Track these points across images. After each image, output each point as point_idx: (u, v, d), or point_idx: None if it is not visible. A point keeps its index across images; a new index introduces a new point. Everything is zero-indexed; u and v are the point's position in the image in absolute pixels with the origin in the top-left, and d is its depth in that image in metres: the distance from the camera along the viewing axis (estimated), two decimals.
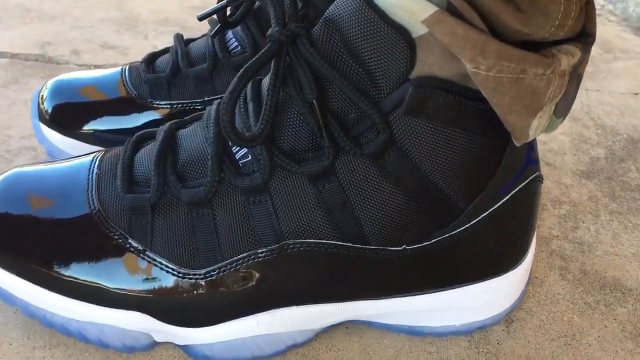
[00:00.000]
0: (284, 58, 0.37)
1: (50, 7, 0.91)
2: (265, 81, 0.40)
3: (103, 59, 0.79)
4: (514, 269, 0.45)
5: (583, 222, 0.59)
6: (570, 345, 0.46)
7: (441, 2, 0.33)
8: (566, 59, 0.34)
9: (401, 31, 0.35)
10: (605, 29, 1.04)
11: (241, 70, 0.36)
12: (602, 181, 0.65)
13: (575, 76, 0.36)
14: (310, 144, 0.38)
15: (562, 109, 0.38)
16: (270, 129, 0.37)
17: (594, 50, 0.92)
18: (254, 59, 0.36)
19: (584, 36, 0.36)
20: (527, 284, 0.48)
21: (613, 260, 0.55)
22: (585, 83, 0.84)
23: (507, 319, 0.48)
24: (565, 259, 0.54)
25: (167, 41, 0.84)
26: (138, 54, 0.80)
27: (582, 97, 0.80)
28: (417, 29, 0.34)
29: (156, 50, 0.60)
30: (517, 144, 0.37)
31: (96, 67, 0.77)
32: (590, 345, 0.47)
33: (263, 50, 0.36)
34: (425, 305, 0.44)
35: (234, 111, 0.36)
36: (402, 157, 0.37)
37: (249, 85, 0.39)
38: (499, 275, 0.44)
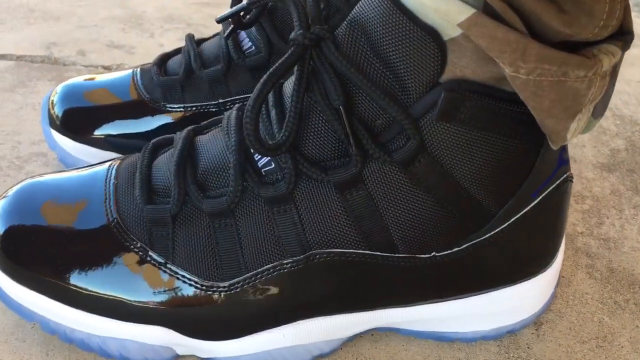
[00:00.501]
0: (308, 62, 0.35)
1: (54, 6, 0.89)
2: (288, 86, 0.38)
3: (110, 58, 0.78)
4: (545, 271, 0.44)
5: (607, 217, 0.58)
6: (602, 347, 0.45)
7: (477, 3, 0.31)
8: (608, 60, 0.33)
9: (431, 33, 0.33)
10: None
11: (264, 77, 0.35)
12: (624, 174, 0.64)
13: (615, 75, 0.35)
14: (337, 151, 0.37)
15: (600, 109, 0.36)
16: (295, 136, 0.36)
17: None
18: (277, 64, 0.35)
19: (623, 34, 0.34)
20: (557, 285, 0.47)
21: None
22: None
23: (537, 321, 0.47)
24: (591, 256, 0.53)
25: (174, 39, 0.83)
26: (145, 53, 0.79)
27: None
28: (449, 31, 0.33)
29: (162, 48, 0.59)
30: (554, 148, 0.35)
31: (104, 67, 0.76)
32: (622, 347, 0.45)
33: (286, 55, 0.35)
34: (454, 311, 0.43)
35: (258, 119, 0.34)
36: (432, 164, 0.36)
37: (271, 91, 0.38)
38: (530, 279, 0.43)
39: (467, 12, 0.31)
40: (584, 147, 0.67)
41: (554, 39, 0.33)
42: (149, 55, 0.77)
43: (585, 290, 0.50)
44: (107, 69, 0.76)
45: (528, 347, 0.45)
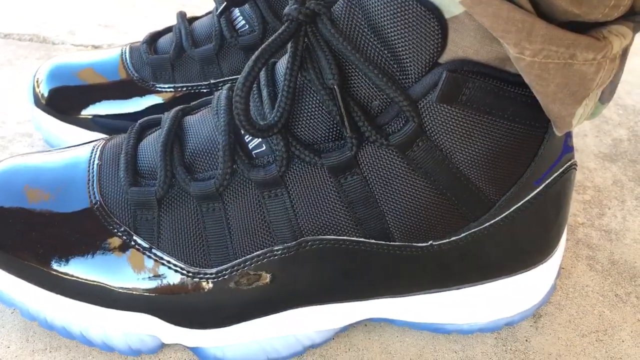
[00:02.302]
0: (302, 39, 0.34)
1: None
2: (281, 65, 0.36)
3: (101, 38, 0.76)
4: (545, 261, 0.42)
5: (609, 208, 0.56)
6: (602, 341, 0.44)
7: None
8: (618, 42, 0.31)
9: (432, 10, 0.31)
10: None
11: (256, 53, 0.33)
12: (627, 164, 0.62)
13: (624, 58, 0.33)
14: (331, 133, 0.35)
15: (608, 94, 0.35)
16: (287, 117, 0.34)
17: None
18: (269, 40, 0.33)
19: (634, 14, 0.32)
20: (557, 277, 0.46)
21: None
22: None
23: (536, 314, 0.45)
24: (592, 248, 0.52)
25: (168, 20, 0.81)
26: (137, 34, 0.77)
27: None
28: (451, 9, 0.31)
29: (156, 29, 0.57)
30: (558, 134, 0.34)
31: (94, 47, 0.74)
32: (623, 341, 0.44)
33: (279, 31, 0.33)
34: (450, 302, 0.41)
35: (249, 99, 0.33)
36: (431, 148, 0.34)
37: (263, 70, 0.36)
38: (530, 269, 0.42)
39: None
40: (586, 137, 0.66)
41: (561, 19, 0.31)
42: (141, 36, 0.74)
43: (585, 283, 0.48)
44: (97, 48, 0.73)
45: (526, 340, 0.43)
